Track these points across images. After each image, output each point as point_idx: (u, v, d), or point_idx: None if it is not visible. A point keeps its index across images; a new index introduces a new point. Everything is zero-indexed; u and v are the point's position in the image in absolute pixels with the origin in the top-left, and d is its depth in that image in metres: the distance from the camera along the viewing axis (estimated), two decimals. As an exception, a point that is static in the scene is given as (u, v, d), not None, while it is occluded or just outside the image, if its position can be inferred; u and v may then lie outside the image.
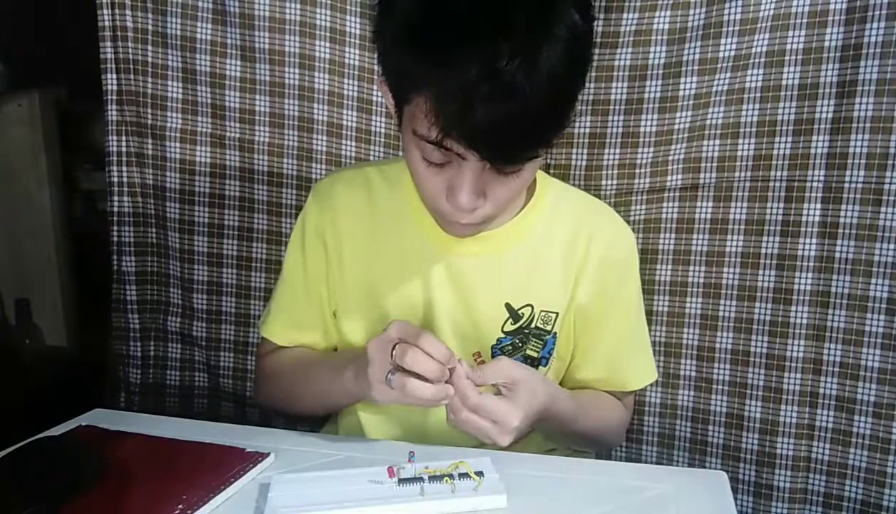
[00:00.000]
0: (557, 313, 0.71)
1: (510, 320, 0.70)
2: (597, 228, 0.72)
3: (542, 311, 0.70)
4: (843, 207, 0.83)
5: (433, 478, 0.55)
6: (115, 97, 0.96)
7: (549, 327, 0.71)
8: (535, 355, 0.71)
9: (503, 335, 0.70)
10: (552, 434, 0.74)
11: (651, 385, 0.94)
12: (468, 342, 0.71)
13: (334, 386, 0.67)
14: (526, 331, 0.70)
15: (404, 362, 0.57)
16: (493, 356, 0.71)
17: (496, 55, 0.49)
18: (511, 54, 0.49)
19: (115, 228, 1.00)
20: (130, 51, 0.95)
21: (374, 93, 0.94)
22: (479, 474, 0.55)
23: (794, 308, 0.87)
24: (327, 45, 0.92)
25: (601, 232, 0.72)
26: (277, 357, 0.77)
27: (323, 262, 0.73)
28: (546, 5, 0.51)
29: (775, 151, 0.85)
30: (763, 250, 0.87)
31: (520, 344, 0.71)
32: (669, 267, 0.91)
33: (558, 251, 0.71)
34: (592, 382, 0.75)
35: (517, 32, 0.49)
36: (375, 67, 0.62)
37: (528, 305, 0.70)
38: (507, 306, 0.70)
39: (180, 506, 0.53)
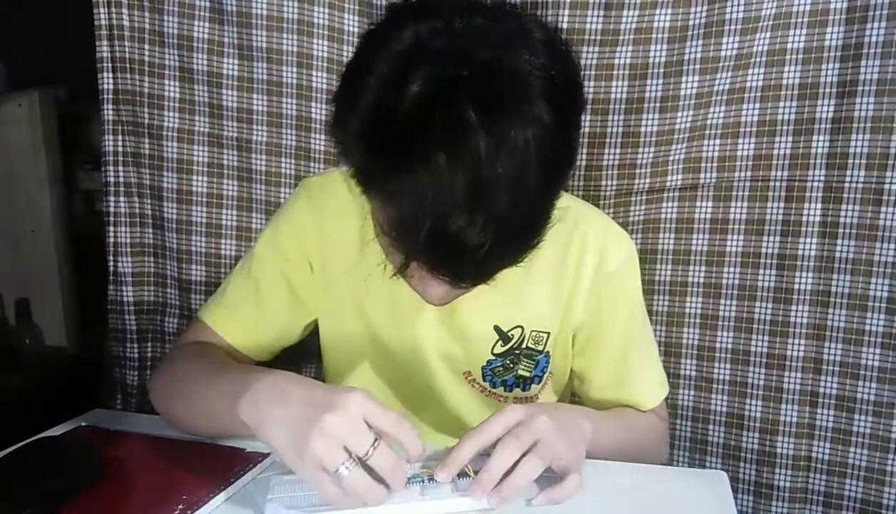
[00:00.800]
0: (549, 333, 0.69)
1: (500, 342, 0.68)
2: (589, 237, 0.68)
3: (532, 331, 0.68)
4: (844, 206, 0.83)
5: (433, 478, 0.55)
6: (111, 96, 0.96)
7: (540, 347, 0.69)
8: (527, 374, 0.70)
9: (493, 357, 0.69)
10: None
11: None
12: (458, 363, 0.69)
13: (225, 413, 0.54)
14: (517, 352, 0.69)
15: (383, 470, 0.48)
16: (483, 376, 0.70)
17: (452, 185, 0.44)
18: (468, 181, 0.44)
19: (112, 228, 0.99)
20: (127, 50, 0.94)
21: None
22: (464, 475, 0.55)
23: (794, 308, 0.87)
24: (325, 43, 0.91)
25: (594, 242, 0.68)
26: (194, 347, 0.68)
27: (299, 264, 0.70)
28: (508, 108, 0.45)
29: (776, 151, 0.85)
30: (763, 250, 0.87)
31: (511, 365, 0.69)
32: (669, 267, 0.91)
33: (549, 268, 0.68)
34: (608, 404, 0.72)
35: (472, 154, 0.43)
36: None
37: (518, 326, 0.68)
38: (497, 328, 0.68)
39: (180, 506, 0.53)
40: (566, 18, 0.83)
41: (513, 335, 0.68)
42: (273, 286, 0.70)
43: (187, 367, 0.65)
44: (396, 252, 0.51)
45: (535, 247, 0.51)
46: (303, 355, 0.98)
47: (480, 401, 0.71)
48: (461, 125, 0.44)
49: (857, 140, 0.81)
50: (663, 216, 0.90)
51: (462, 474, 0.55)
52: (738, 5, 0.81)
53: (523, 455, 0.53)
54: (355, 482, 0.47)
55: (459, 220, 0.45)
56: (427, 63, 0.45)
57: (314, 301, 0.72)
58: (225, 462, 0.60)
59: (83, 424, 0.69)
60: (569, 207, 0.70)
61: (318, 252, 0.70)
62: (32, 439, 0.64)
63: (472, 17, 0.47)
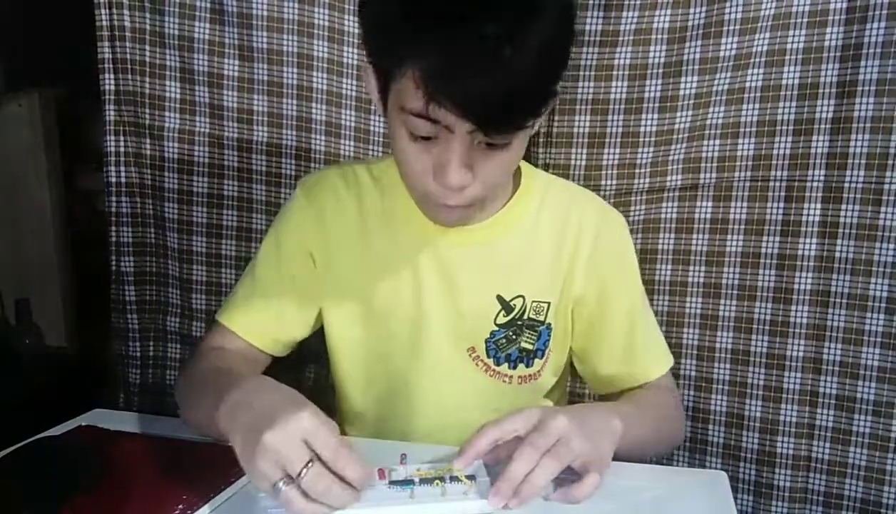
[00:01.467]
0: (549, 303, 0.70)
1: (502, 311, 0.70)
2: (585, 214, 0.71)
3: (533, 301, 0.70)
4: (843, 206, 0.83)
5: (424, 481, 0.54)
6: (112, 97, 0.96)
7: (541, 318, 0.71)
8: (530, 347, 0.71)
9: (496, 328, 0.70)
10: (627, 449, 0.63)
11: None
12: (461, 338, 0.70)
13: (212, 417, 0.55)
14: (519, 323, 0.70)
15: (314, 493, 0.47)
16: (487, 351, 0.71)
17: (486, 27, 0.49)
18: (501, 27, 0.49)
19: (114, 228, 1.00)
20: (128, 51, 0.95)
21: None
22: (471, 477, 0.55)
23: (794, 308, 0.87)
24: (325, 44, 0.92)
25: (589, 218, 0.71)
26: (214, 354, 0.70)
27: (301, 259, 0.72)
28: None
29: (775, 151, 0.85)
30: (763, 250, 0.87)
31: (514, 336, 0.70)
32: (669, 267, 0.91)
33: (547, 240, 0.70)
34: (616, 378, 0.73)
35: (506, 6, 0.49)
36: (359, 56, 0.61)
37: (519, 295, 0.70)
38: (499, 297, 0.69)
39: (180, 506, 0.53)
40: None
41: (515, 305, 0.70)
42: (279, 284, 0.72)
43: (200, 374, 0.67)
44: (418, 114, 0.53)
45: (552, 99, 0.55)
46: (302, 356, 0.98)
47: (485, 381, 0.72)
48: None
49: (856, 140, 0.81)
50: (663, 216, 0.90)
51: (454, 477, 0.55)
52: (737, 6, 0.81)
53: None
54: (290, 497, 0.47)
55: (495, 58, 0.49)
56: None
57: (319, 293, 0.73)
58: (225, 462, 0.59)
59: (83, 424, 0.69)
60: (567, 186, 0.76)
61: (319, 245, 0.72)
62: (32, 439, 0.64)
63: None
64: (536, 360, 0.72)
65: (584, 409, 0.66)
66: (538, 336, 0.71)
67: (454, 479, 0.55)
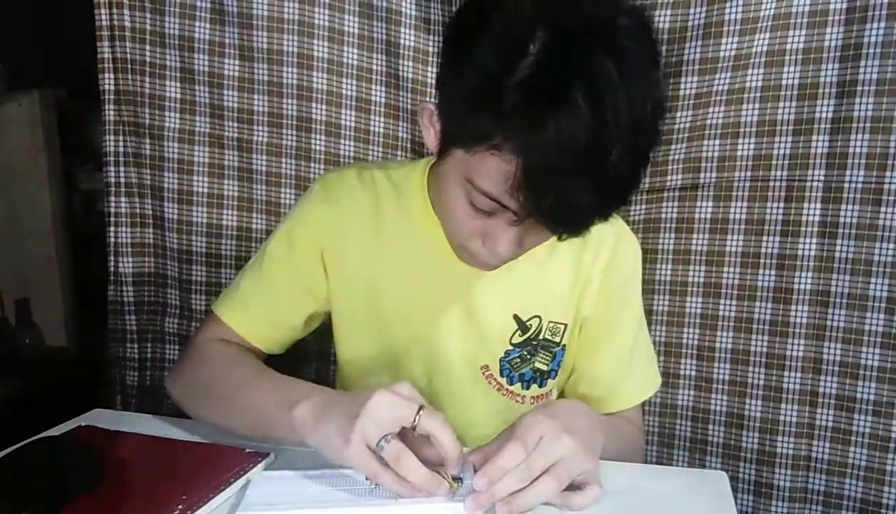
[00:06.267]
0: (566, 325, 0.70)
1: (518, 331, 0.69)
2: (604, 236, 0.70)
3: (550, 322, 0.69)
4: (843, 206, 0.83)
5: None
6: (112, 97, 0.96)
7: (557, 339, 0.70)
8: (544, 367, 0.70)
9: (511, 347, 0.69)
10: None
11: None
12: (476, 356, 0.70)
13: (276, 420, 0.57)
14: (534, 343, 0.69)
15: (423, 430, 0.49)
16: (500, 370, 0.70)
17: (603, 138, 0.46)
18: (615, 135, 0.46)
19: (113, 228, 1.00)
20: (128, 50, 0.95)
21: (373, 93, 0.94)
22: (458, 479, 0.54)
23: (794, 308, 0.87)
24: (326, 44, 0.92)
25: (607, 241, 0.70)
26: (221, 349, 0.69)
27: (311, 258, 0.70)
28: (639, 70, 0.48)
29: (775, 151, 0.85)
30: (763, 250, 0.87)
31: (528, 357, 0.70)
32: (669, 267, 0.91)
33: (566, 262, 0.69)
34: (594, 399, 0.72)
35: (611, 102, 0.46)
36: (423, 104, 0.58)
37: (536, 316, 0.69)
38: (516, 317, 0.69)
39: (180, 506, 0.53)
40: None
41: (531, 325, 0.69)
42: (284, 284, 0.71)
43: (222, 372, 0.66)
44: (492, 199, 0.51)
45: (626, 202, 0.55)
46: (303, 357, 0.98)
47: (497, 400, 0.71)
48: (601, 75, 0.46)
49: (856, 140, 0.81)
50: (663, 216, 0.90)
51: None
52: (737, 6, 0.81)
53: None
54: (395, 452, 0.49)
55: (608, 174, 0.47)
56: (548, 20, 0.47)
57: (326, 296, 0.72)
58: (225, 462, 0.60)
59: (83, 424, 0.69)
60: None
61: (332, 245, 0.71)
62: (32, 439, 0.64)
63: None
64: (550, 380, 0.71)
65: (577, 415, 0.59)
66: (552, 357, 0.71)
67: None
